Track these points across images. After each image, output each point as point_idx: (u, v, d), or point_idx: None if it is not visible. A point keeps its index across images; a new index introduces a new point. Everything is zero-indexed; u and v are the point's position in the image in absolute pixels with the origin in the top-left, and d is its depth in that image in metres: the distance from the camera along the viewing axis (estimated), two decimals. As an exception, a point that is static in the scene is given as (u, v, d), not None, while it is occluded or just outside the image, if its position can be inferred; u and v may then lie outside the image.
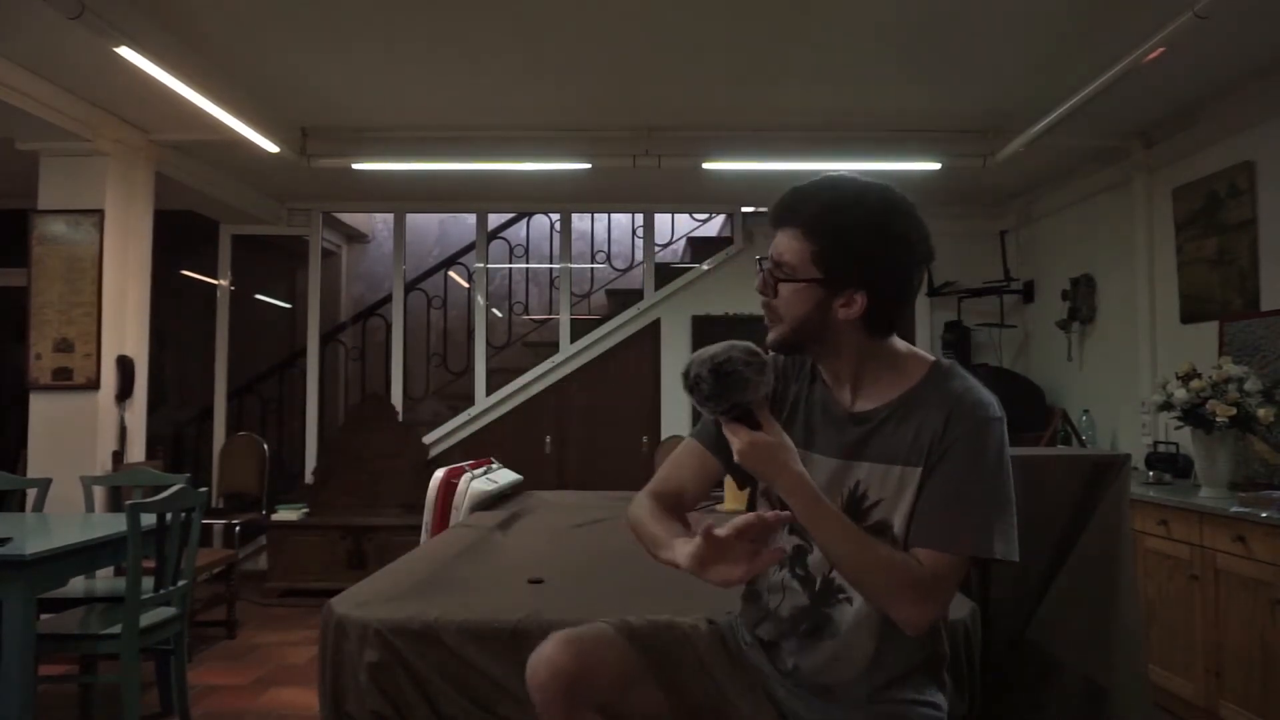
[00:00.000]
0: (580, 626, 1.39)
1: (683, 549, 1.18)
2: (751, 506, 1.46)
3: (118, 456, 4.26)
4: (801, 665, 1.32)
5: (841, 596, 1.28)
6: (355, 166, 4.62)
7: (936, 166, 4.50)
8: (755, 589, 1.42)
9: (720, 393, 1.20)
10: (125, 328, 4.34)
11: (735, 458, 1.22)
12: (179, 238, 5.29)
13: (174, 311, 5.77)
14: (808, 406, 1.35)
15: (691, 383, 1.22)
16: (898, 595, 1.17)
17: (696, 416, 5.49)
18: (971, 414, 1.22)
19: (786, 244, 1.26)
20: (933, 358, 1.31)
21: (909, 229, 1.27)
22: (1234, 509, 2.92)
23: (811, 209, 1.24)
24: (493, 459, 4.18)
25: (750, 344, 1.25)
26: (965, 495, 1.18)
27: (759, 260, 1.31)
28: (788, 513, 1.20)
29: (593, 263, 6.59)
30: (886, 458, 1.24)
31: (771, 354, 1.30)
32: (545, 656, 1.31)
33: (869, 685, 1.27)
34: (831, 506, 1.21)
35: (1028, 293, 5.69)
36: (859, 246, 1.23)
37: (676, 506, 1.40)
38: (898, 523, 1.23)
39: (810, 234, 1.23)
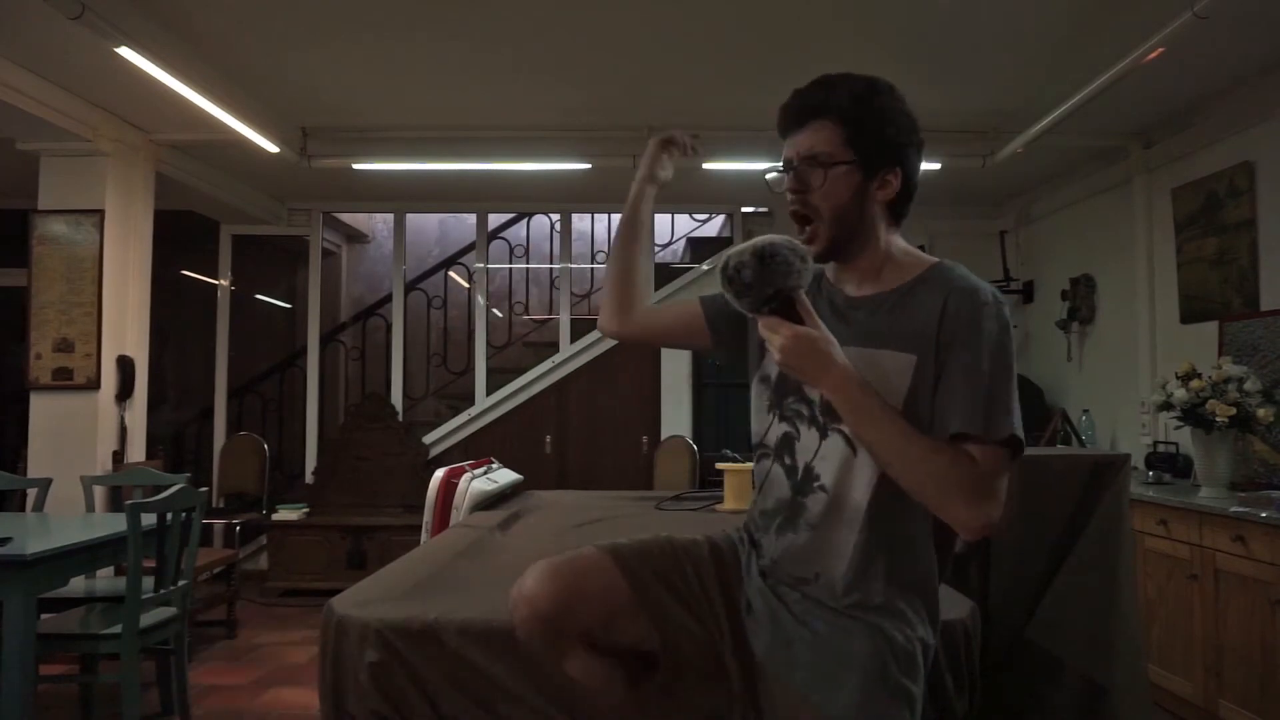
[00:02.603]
0: (566, 554, 1.36)
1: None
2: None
3: (118, 456, 4.26)
4: (779, 558, 1.27)
5: (817, 485, 1.24)
6: (355, 166, 4.62)
7: (936, 166, 4.50)
8: (751, 510, 1.39)
9: (764, 278, 1.13)
10: (125, 328, 4.34)
11: (776, 357, 1.17)
12: (179, 238, 5.29)
13: (174, 311, 5.77)
14: (818, 306, 1.30)
15: (732, 271, 1.15)
16: (956, 495, 1.12)
17: (698, 415, 5.45)
18: (972, 296, 1.18)
19: (815, 137, 1.24)
20: (937, 259, 1.29)
21: (911, 109, 1.29)
22: (1234, 509, 2.92)
23: (839, 97, 1.23)
24: (493, 459, 4.18)
25: (792, 239, 1.19)
26: (989, 378, 1.14)
27: (773, 170, 1.29)
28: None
29: (593, 263, 6.59)
30: (876, 342, 1.21)
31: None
32: (526, 593, 1.30)
33: (844, 584, 1.21)
34: (882, 403, 1.15)
35: (1027, 293, 5.69)
36: (889, 124, 1.24)
37: (638, 307, 1.51)
38: None
39: (843, 120, 1.23)
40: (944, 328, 1.17)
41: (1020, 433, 1.14)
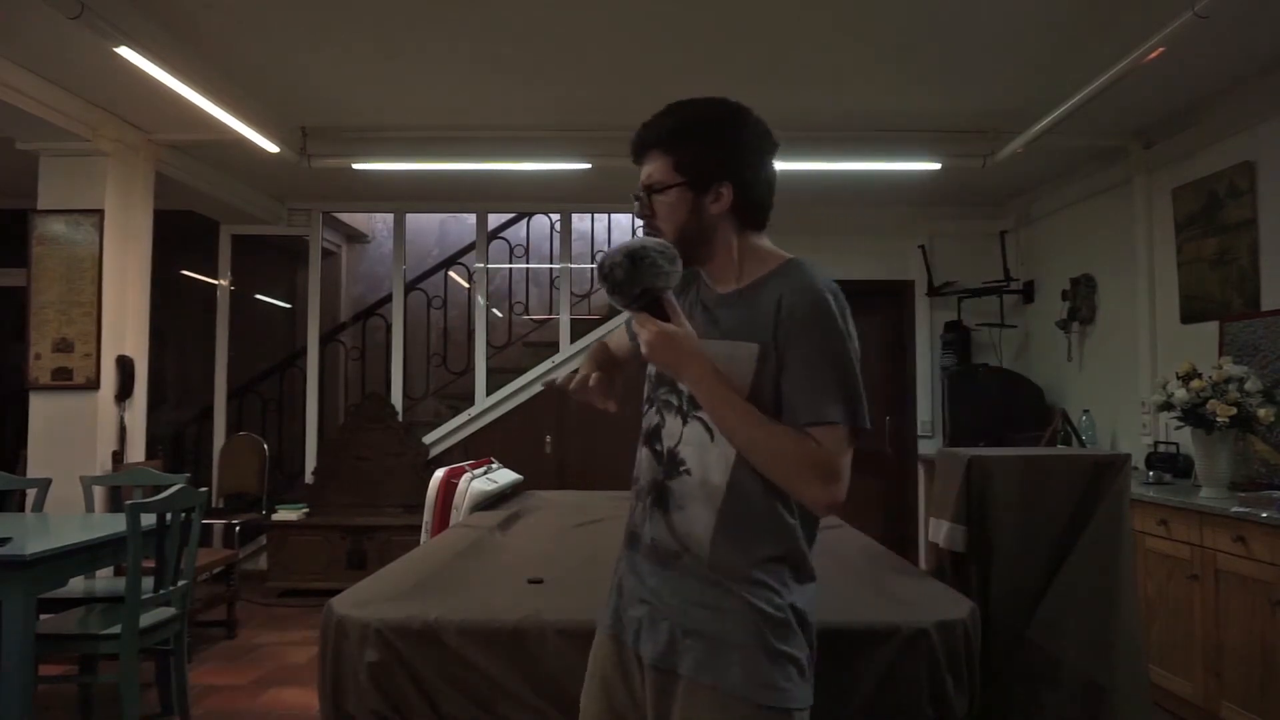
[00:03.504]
0: None
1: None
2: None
3: (118, 456, 4.26)
4: (656, 537, 1.36)
5: (682, 469, 1.34)
6: (355, 166, 4.62)
7: (936, 166, 4.50)
8: (629, 511, 1.47)
9: (634, 277, 1.24)
10: (125, 328, 4.34)
11: (643, 350, 1.28)
12: (179, 238, 5.30)
13: (174, 311, 5.77)
14: (689, 305, 1.42)
15: (606, 269, 1.26)
16: (802, 475, 1.23)
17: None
18: (807, 291, 1.28)
19: (651, 166, 1.37)
20: (791, 255, 1.38)
21: (749, 123, 1.40)
22: (1234, 509, 2.92)
23: (665, 127, 1.38)
24: (493, 459, 4.18)
25: (664, 241, 1.31)
26: (824, 367, 1.26)
27: (634, 195, 1.41)
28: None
29: (593, 263, 6.59)
30: (727, 334, 1.33)
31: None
32: None
33: (709, 559, 1.30)
34: (734, 394, 1.26)
35: (1028, 293, 5.69)
36: (712, 143, 1.36)
37: (606, 358, 1.61)
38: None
39: (668, 148, 1.36)
40: (780, 322, 1.27)
41: (858, 419, 1.25)
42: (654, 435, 1.40)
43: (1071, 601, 2.00)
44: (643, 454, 1.42)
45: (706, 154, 1.35)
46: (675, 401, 1.38)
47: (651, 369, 1.43)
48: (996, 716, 1.90)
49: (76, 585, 3.22)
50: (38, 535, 2.79)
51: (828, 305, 1.27)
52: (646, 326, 1.27)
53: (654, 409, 1.42)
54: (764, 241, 1.41)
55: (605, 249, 6.48)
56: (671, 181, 1.35)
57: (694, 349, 1.27)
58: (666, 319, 1.27)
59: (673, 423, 1.37)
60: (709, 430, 1.31)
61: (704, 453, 1.31)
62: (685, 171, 1.34)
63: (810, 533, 1.34)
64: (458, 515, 3.41)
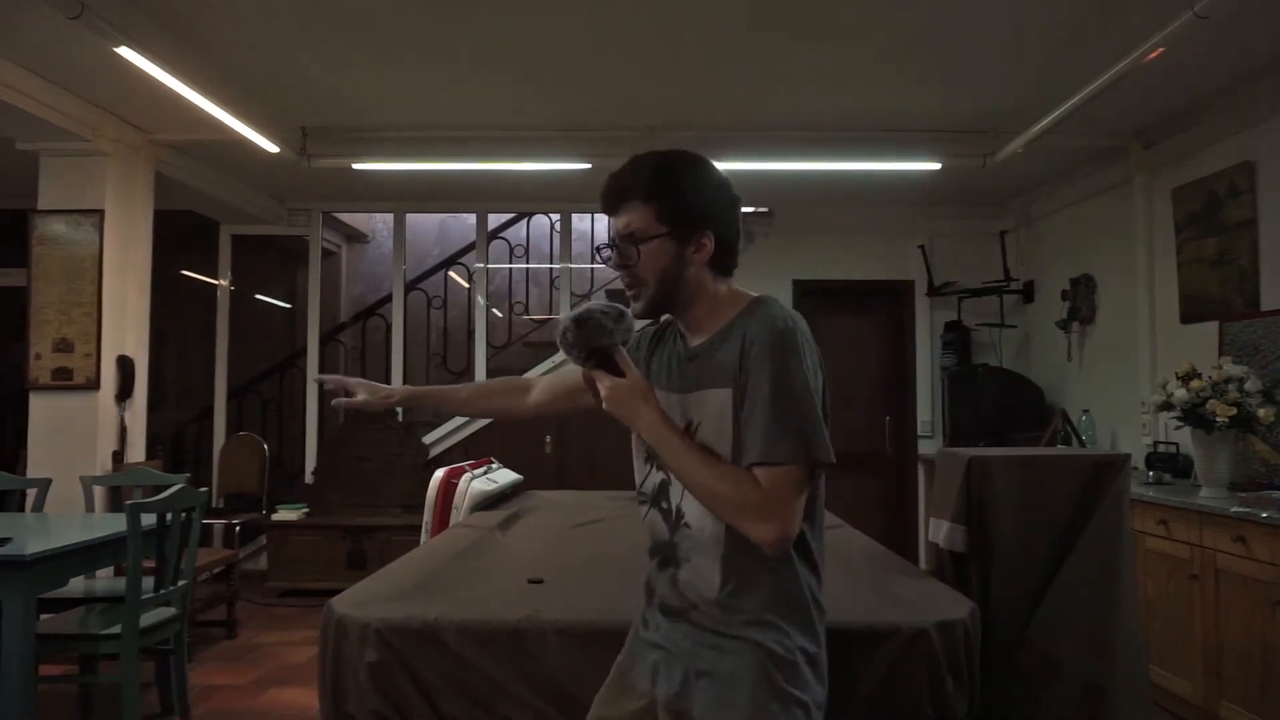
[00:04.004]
0: None
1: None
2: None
3: (118, 456, 4.26)
4: (665, 594, 1.40)
5: (683, 522, 1.37)
6: (355, 166, 4.62)
7: (936, 166, 4.50)
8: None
9: (581, 339, 1.32)
10: (125, 328, 4.34)
11: (603, 404, 1.34)
12: (179, 238, 5.30)
13: (174, 311, 5.77)
14: (668, 358, 1.46)
15: (560, 334, 1.33)
16: (744, 514, 1.24)
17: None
18: (765, 328, 1.29)
19: (630, 216, 1.37)
20: (756, 295, 1.40)
21: (718, 173, 1.41)
22: (1234, 509, 2.92)
23: (643, 178, 1.36)
24: (493, 459, 4.18)
25: (613, 302, 1.36)
26: (774, 404, 1.25)
27: (604, 247, 1.44)
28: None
29: (593, 263, 6.58)
30: (704, 384, 1.35)
31: (631, 309, 1.40)
32: None
33: (718, 607, 1.32)
34: (683, 437, 1.31)
35: (1028, 293, 5.69)
36: (693, 194, 1.36)
37: (524, 390, 1.76)
38: (719, 445, 1.30)
39: (650, 198, 1.35)
40: (743, 362, 1.29)
41: (813, 451, 1.24)
42: (661, 494, 1.42)
43: (1071, 601, 2.00)
44: (652, 515, 1.44)
45: (689, 203, 1.35)
46: None
47: None
48: (996, 716, 1.90)
49: (76, 585, 3.22)
50: (38, 535, 2.79)
51: (784, 338, 1.27)
52: (601, 382, 1.33)
53: (655, 468, 1.42)
54: (730, 285, 1.43)
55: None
56: (655, 231, 1.35)
57: (643, 398, 1.32)
58: (620, 373, 1.33)
59: (677, 480, 1.38)
60: None
61: (700, 505, 1.33)
62: (668, 221, 1.35)
63: (818, 575, 1.35)
64: (458, 515, 3.41)
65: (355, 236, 7.21)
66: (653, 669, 1.40)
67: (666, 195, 1.35)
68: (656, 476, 1.42)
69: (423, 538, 3.54)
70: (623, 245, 1.38)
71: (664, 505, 1.41)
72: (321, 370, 6.02)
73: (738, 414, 1.29)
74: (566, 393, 1.67)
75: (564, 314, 1.44)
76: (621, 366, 1.34)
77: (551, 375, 1.75)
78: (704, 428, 1.33)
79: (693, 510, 1.35)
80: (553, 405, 1.72)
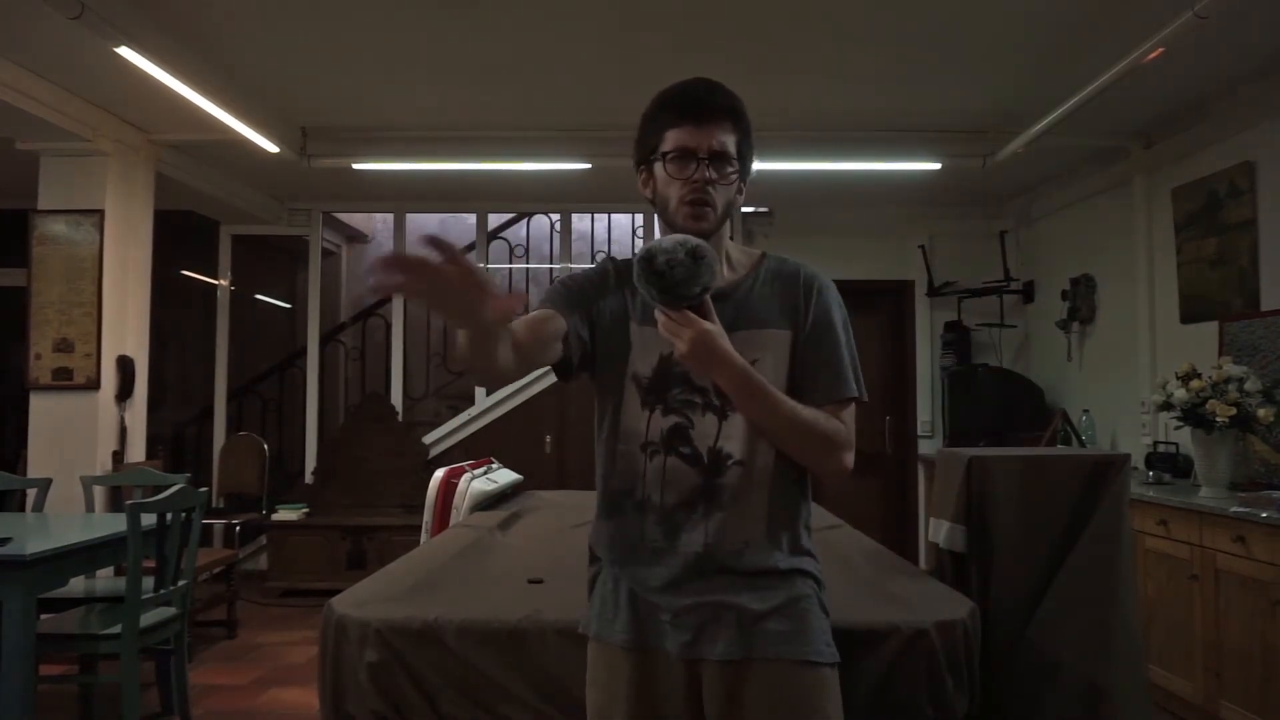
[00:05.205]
0: None
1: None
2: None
3: (118, 456, 4.26)
4: (712, 541, 1.30)
5: (731, 462, 1.31)
6: (355, 166, 4.62)
7: (936, 166, 4.50)
8: (619, 525, 1.36)
9: (696, 276, 1.17)
10: (125, 328, 4.34)
11: (682, 349, 1.19)
12: (179, 238, 5.30)
13: (174, 311, 5.77)
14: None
15: (663, 266, 1.16)
16: (832, 450, 1.31)
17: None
18: (818, 276, 1.41)
19: (725, 136, 1.32)
20: (761, 250, 1.47)
21: None
22: (1234, 509, 2.92)
23: (738, 107, 1.35)
24: (493, 459, 4.18)
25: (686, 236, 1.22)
26: (847, 345, 1.37)
27: (674, 151, 1.30)
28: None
29: (592, 263, 6.58)
30: (756, 323, 1.35)
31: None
32: None
33: (768, 541, 1.32)
34: (767, 384, 1.28)
35: (1028, 293, 5.69)
36: (751, 138, 1.38)
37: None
38: (776, 383, 1.31)
39: (736, 127, 1.34)
40: (809, 308, 1.36)
41: (862, 391, 1.37)
42: (678, 438, 1.32)
43: (1071, 601, 2.00)
44: (670, 463, 1.31)
45: (751, 148, 1.37)
46: (702, 400, 1.32)
47: (643, 370, 1.35)
48: (996, 716, 1.90)
49: (77, 585, 3.22)
50: (38, 535, 2.79)
51: (839, 298, 1.40)
52: (693, 325, 1.18)
53: (663, 412, 1.33)
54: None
55: (605, 250, 6.52)
56: (734, 162, 1.33)
57: (728, 346, 1.23)
58: (706, 318, 1.21)
59: (704, 421, 1.32)
60: None
61: (751, 441, 1.31)
62: (742, 157, 1.34)
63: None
64: (458, 515, 3.41)
65: (355, 236, 7.21)
66: (687, 635, 1.28)
67: (748, 134, 1.36)
68: (666, 421, 1.32)
69: (423, 538, 3.54)
70: (715, 160, 1.30)
71: (685, 450, 1.31)
72: (321, 371, 6.02)
73: (794, 354, 1.34)
74: (539, 343, 1.26)
75: (655, 243, 1.19)
76: (707, 312, 1.22)
77: (525, 320, 1.28)
78: (762, 365, 1.30)
79: (740, 448, 1.30)
80: (526, 357, 1.23)
